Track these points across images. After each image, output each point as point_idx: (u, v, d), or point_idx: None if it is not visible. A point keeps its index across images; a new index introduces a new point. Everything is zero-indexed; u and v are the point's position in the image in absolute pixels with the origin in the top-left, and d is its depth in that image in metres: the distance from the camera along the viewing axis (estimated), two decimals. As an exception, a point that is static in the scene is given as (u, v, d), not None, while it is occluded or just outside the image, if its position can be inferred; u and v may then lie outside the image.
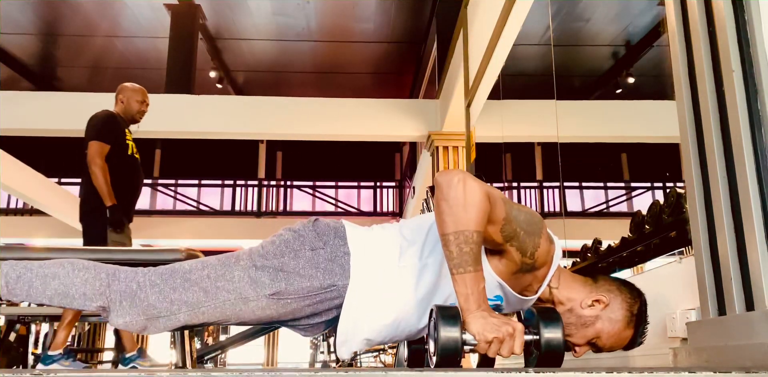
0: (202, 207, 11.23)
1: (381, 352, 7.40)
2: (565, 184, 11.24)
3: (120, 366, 3.26)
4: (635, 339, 1.32)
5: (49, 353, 3.18)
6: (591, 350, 1.34)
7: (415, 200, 8.92)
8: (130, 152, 3.37)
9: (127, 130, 3.42)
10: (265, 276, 1.25)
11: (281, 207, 11.48)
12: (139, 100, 3.52)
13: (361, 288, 1.24)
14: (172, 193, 11.46)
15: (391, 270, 1.26)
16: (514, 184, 11.65)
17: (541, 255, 1.25)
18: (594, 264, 2.41)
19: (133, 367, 3.19)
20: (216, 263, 1.29)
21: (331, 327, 1.34)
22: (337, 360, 5.63)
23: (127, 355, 3.25)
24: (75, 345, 9.00)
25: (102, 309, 1.28)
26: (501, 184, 11.57)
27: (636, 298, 1.32)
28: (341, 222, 1.34)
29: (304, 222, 1.33)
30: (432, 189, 1.64)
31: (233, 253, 1.32)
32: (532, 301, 1.32)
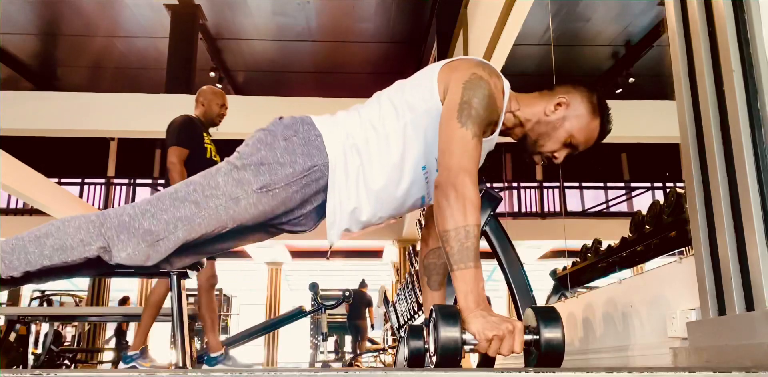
0: (202, 207, 11.23)
1: (381, 352, 7.40)
2: (565, 184, 11.24)
3: (121, 364, 3.28)
4: (604, 126, 1.39)
5: (129, 353, 3.25)
6: (569, 152, 1.40)
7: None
8: (208, 156, 3.38)
9: (205, 134, 3.42)
10: (248, 173, 1.30)
11: (281, 207, 11.46)
12: (219, 103, 3.54)
13: (339, 163, 1.32)
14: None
15: (361, 143, 1.33)
16: (514, 184, 11.66)
17: (499, 104, 1.33)
18: (594, 264, 2.41)
19: (133, 366, 3.20)
20: (197, 178, 1.33)
21: (323, 215, 1.39)
22: (340, 359, 5.63)
23: (129, 353, 3.26)
24: (75, 345, 9.01)
25: (102, 250, 1.28)
26: (501, 184, 11.59)
27: (592, 90, 1.39)
28: (306, 115, 1.40)
29: (271, 122, 1.39)
30: None
31: (212, 167, 1.36)
32: (495, 137, 1.39)
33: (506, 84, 1.36)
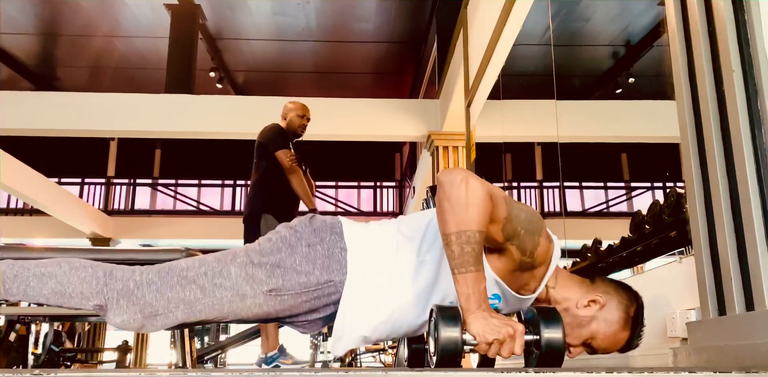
0: (202, 207, 11.23)
1: (381, 352, 7.40)
2: (565, 184, 11.23)
3: (263, 366, 3.28)
4: (631, 341, 1.31)
5: (268, 354, 3.31)
6: (586, 351, 1.33)
7: (415, 200, 8.92)
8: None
9: (291, 143, 3.60)
10: (261, 272, 1.25)
11: (281, 207, 11.46)
12: (299, 114, 3.72)
13: (357, 284, 1.24)
14: (172, 193, 11.46)
15: (388, 266, 1.25)
16: (514, 184, 11.65)
17: (540, 253, 1.25)
18: (594, 264, 2.41)
19: (276, 366, 3.21)
20: (213, 260, 1.28)
21: (329, 323, 1.33)
22: (341, 360, 5.63)
23: (269, 354, 3.27)
24: (75, 345, 9.01)
25: (99, 308, 1.28)
26: (501, 184, 11.57)
27: (633, 300, 1.31)
28: (338, 218, 1.33)
29: (301, 219, 1.32)
30: (432, 189, 1.64)
31: (230, 250, 1.31)
32: (530, 301, 1.31)
33: (557, 250, 1.29)
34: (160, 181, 11.76)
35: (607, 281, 1.35)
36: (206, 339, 8.73)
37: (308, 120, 3.74)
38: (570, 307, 1.29)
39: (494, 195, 1.17)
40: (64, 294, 1.28)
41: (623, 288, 1.33)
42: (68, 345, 6.34)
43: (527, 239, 1.22)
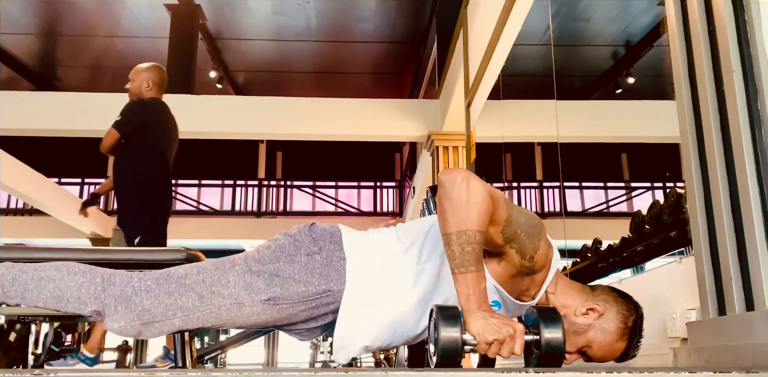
0: (202, 207, 11.22)
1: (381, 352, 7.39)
2: (565, 184, 11.23)
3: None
4: (627, 351, 1.31)
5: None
6: (582, 359, 1.33)
7: (415, 200, 8.92)
8: None
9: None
10: (260, 281, 1.24)
11: (281, 208, 11.47)
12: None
13: (357, 294, 1.23)
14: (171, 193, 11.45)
15: (387, 275, 1.25)
16: (514, 184, 11.65)
17: (540, 258, 1.25)
18: (594, 264, 2.41)
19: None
20: (211, 268, 1.28)
21: (327, 330, 1.33)
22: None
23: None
24: (75, 345, 9.00)
25: (96, 314, 1.28)
26: (501, 184, 11.57)
27: (632, 311, 1.31)
28: (338, 226, 1.33)
29: (300, 227, 1.32)
30: (432, 189, 1.64)
31: (229, 258, 1.31)
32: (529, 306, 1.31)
33: (556, 255, 1.29)
34: (160, 181, 11.73)
35: (608, 290, 1.34)
36: (206, 339, 8.73)
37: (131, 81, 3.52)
38: (568, 314, 1.29)
39: (495, 197, 1.17)
40: (62, 299, 1.28)
41: (624, 297, 1.32)
42: (68, 338, 6.34)
43: (527, 242, 1.22)
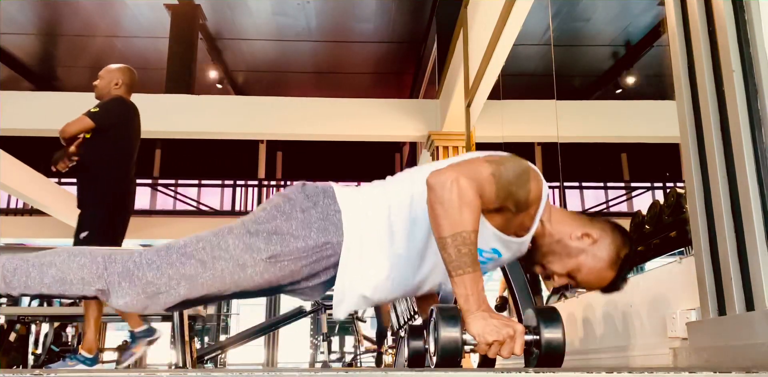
0: (202, 207, 11.22)
1: (376, 354, 7.39)
2: (565, 184, 11.23)
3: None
4: (616, 281, 1.32)
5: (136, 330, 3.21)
6: (569, 282, 1.34)
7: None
8: None
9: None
10: (259, 240, 1.26)
11: (281, 207, 11.45)
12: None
13: (354, 244, 1.26)
14: (172, 193, 11.45)
15: (382, 225, 1.27)
16: (514, 184, 11.63)
17: (533, 195, 1.27)
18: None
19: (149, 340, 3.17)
20: (210, 235, 1.30)
21: (330, 288, 1.34)
22: (345, 363, 5.63)
23: (137, 330, 3.20)
24: (76, 345, 9.00)
25: (101, 293, 1.28)
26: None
27: (626, 244, 1.32)
28: (329, 183, 1.35)
29: (293, 187, 1.35)
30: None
31: (227, 225, 1.33)
32: (528, 240, 1.32)
33: (546, 188, 1.30)
34: (160, 181, 11.73)
35: (604, 221, 1.36)
36: (206, 339, 8.73)
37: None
38: (563, 238, 1.31)
39: (480, 184, 1.18)
40: (65, 282, 1.28)
41: (620, 230, 1.35)
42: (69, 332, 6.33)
43: (520, 192, 1.24)
